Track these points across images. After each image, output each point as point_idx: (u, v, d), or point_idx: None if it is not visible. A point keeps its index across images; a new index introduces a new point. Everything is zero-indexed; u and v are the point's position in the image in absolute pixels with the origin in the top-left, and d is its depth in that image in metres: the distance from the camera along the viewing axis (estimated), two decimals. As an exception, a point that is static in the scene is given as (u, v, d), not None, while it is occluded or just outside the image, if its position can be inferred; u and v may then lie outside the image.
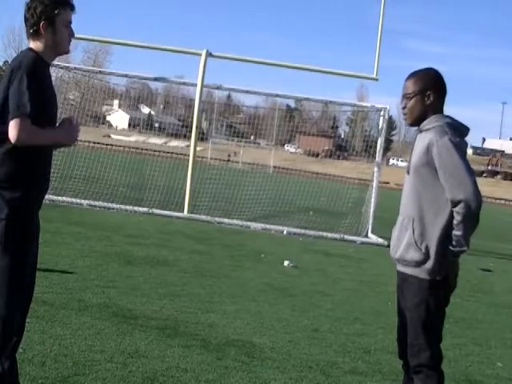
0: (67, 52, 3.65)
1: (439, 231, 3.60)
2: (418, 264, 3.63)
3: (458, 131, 3.68)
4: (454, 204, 3.53)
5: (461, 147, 3.60)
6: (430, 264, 3.61)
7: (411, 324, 3.70)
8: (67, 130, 3.49)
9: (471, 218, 3.51)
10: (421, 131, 3.74)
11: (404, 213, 3.75)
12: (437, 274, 3.62)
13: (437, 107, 3.75)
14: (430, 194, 3.63)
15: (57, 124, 3.51)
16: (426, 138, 3.64)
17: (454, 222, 3.54)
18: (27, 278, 3.48)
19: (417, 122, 3.78)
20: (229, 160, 41.73)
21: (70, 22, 3.56)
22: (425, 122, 3.73)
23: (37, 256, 3.56)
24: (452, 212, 3.58)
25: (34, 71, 3.35)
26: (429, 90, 3.72)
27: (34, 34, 3.47)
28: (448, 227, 3.59)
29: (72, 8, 3.55)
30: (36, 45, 3.49)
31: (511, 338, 7.36)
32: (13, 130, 3.24)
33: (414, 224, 3.65)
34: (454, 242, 3.55)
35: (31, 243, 3.47)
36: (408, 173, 3.77)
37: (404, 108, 3.79)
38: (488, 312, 8.87)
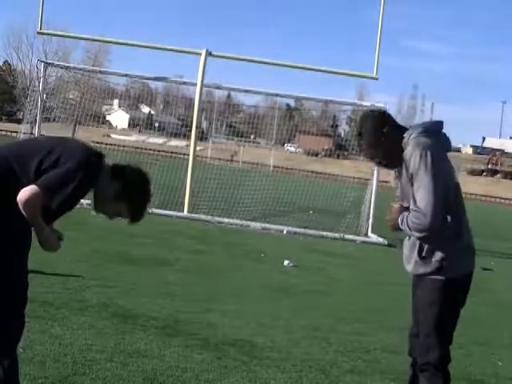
0: (95, 210, 3.52)
1: (446, 238, 3.62)
2: (429, 274, 3.68)
3: (432, 133, 3.67)
4: (416, 210, 3.55)
5: (429, 158, 3.54)
6: (443, 268, 3.63)
7: (423, 323, 3.71)
8: (53, 240, 3.39)
9: (422, 228, 3.55)
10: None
11: None
12: (449, 273, 3.63)
13: (395, 133, 3.71)
14: None
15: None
16: (405, 157, 3.63)
17: (412, 216, 3.57)
18: (17, 280, 3.48)
19: (396, 162, 3.73)
20: (232, 160, 41.73)
21: (120, 216, 3.49)
22: (401, 152, 3.68)
23: (27, 262, 3.54)
24: (456, 216, 3.61)
25: (91, 179, 3.31)
26: (379, 139, 3.69)
27: (115, 175, 3.41)
28: (454, 229, 3.62)
29: (132, 221, 3.48)
30: (112, 173, 3.41)
31: (511, 337, 7.36)
32: (28, 193, 3.16)
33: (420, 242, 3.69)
34: (406, 221, 3.59)
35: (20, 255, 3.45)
36: (402, 200, 3.78)
37: (379, 163, 3.82)
38: (488, 311, 8.87)
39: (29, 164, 3.27)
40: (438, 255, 3.63)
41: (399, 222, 3.68)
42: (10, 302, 3.42)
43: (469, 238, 3.76)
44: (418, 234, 3.62)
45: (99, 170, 3.39)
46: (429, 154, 3.55)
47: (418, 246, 3.69)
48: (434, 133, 3.70)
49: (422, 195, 3.52)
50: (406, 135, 3.68)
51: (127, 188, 3.38)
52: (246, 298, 7.55)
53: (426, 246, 3.67)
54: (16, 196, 3.19)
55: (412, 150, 3.58)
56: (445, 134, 3.76)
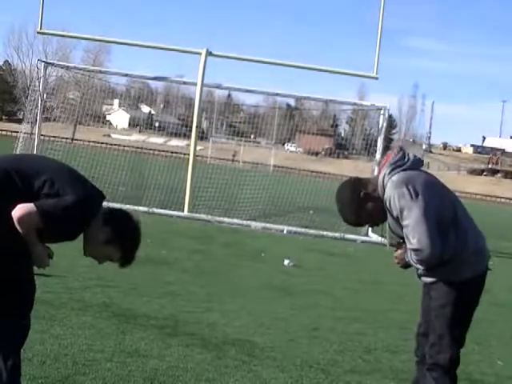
0: (84, 252, 3.50)
1: (451, 254, 3.62)
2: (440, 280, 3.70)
3: (399, 165, 3.67)
4: (412, 251, 3.58)
5: (406, 196, 3.55)
6: (452, 274, 3.65)
7: (436, 324, 3.71)
8: (44, 257, 3.37)
9: (426, 262, 3.58)
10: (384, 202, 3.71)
11: None
12: (462, 276, 3.64)
13: (370, 191, 3.72)
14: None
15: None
16: (386, 201, 3.65)
17: (412, 255, 3.59)
18: (23, 281, 3.49)
19: (385, 214, 3.74)
20: (233, 159, 41.74)
21: (109, 260, 3.45)
22: (382, 198, 3.70)
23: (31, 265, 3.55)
24: (458, 230, 3.63)
25: (87, 216, 3.30)
26: (360, 206, 3.71)
27: (107, 220, 3.38)
28: (459, 244, 3.63)
29: (121, 265, 3.46)
30: (104, 217, 3.39)
31: (511, 337, 7.37)
32: (24, 210, 3.15)
33: None
34: (411, 257, 3.61)
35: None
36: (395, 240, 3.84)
37: (376, 224, 3.86)
38: (488, 311, 8.85)
39: (31, 182, 3.24)
40: (445, 268, 3.64)
41: (406, 260, 3.70)
42: (15, 301, 3.43)
43: (477, 241, 3.73)
44: (426, 267, 3.64)
45: (98, 210, 3.39)
46: (405, 190, 3.55)
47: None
48: (402, 164, 3.68)
49: (413, 233, 3.53)
50: (379, 181, 3.68)
51: (118, 233, 3.36)
52: (246, 298, 7.55)
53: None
54: (13, 207, 3.17)
55: (389, 194, 3.60)
56: (409, 156, 3.72)
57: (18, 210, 3.16)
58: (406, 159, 3.70)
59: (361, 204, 3.72)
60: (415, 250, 3.54)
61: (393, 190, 3.59)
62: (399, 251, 3.76)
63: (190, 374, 4.66)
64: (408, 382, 4.40)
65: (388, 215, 3.71)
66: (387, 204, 3.63)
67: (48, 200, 3.21)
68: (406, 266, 3.75)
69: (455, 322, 3.67)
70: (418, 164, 3.74)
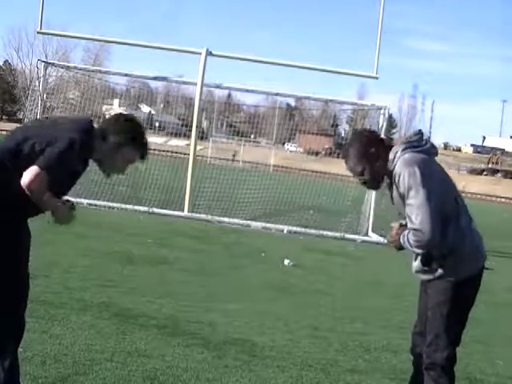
0: (108, 175, 3.67)
1: (449, 248, 3.63)
2: (437, 278, 3.69)
3: (414, 146, 3.68)
4: (411, 230, 3.58)
5: (417, 175, 3.56)
6: (449, 273, 3.65)
7: (432, 323, 3.71)
8: (65, 213, 3.45)
9: (424, 245, 3.57)
10: (390, 178, 3.72)
11: None
12: (459, 275, 3.65)
13: (384, 150, 3.73)
14: None
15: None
16: (394, 177, 3.65)
17: (410, 235, 3.59)
18: (21, 282, 3.51)
19: (381, 181, 3.78)
20: (233, 159, 41.69)
21: (131, 163, 3.62)
22: (389, 171, 3.71)
23: (27, 265, 3.58)
24: (457, 223, 3.63)
25: (84, 150, 3.40)
26: (368, 154, 3.71)
27: (104, 135, 3.50)
28: (457, 237, 3.64)
29: (142, 157, 3.61)
30: (100, 135, 3.51)
31: (511, 336, 7.36)
32: (30, 174, 3.23)
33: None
34: (407, 238, 3.61)
35: (20, 255, 3.48)
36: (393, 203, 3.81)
37: (364, 183, 3.81)
38: (488, 310, 8.86)
39: (23, 149, 3.33)
40: (442, 264, 3.64)
41: (401, 241, 3.70)
42: (12, 300, 3.43)
43: (474, 240, 3.75)
44: (420, 251, 3.65)
45: (90, 136, 3.47)
46: (417, 170, 3.57)
47: (420, 255, 3.72)
48: (418, 145, 3.70)
49: (417, 213, 3.54)
50: (391, 155, 3.69)
51: (118, 134, 3.50)
52: (246, 298, 7.55)
53: (425, 257, 3.70)
54: (14, 185, 3.24)
55: (400, 170, 3.60)
56: (427, 141, 3.76)
57: (25, 177, 3.23)
58: (423, 142, 3.73)
59: (368, 157, 3.70)
60: (416, 230, 3.54)
61: (404, 168, 3.59)
62: (396, 230, 3.76)
63: (190, 374, 4.66)
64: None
65: (394, 189, 3.70)
66: (396, 179, 3.62)
67: (43, 154, 3.29)
68: (400, 247, 3.75)
69: (451, 320, 3.68)
70: (432, 151, 3.76)
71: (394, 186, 3.68)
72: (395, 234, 3.76)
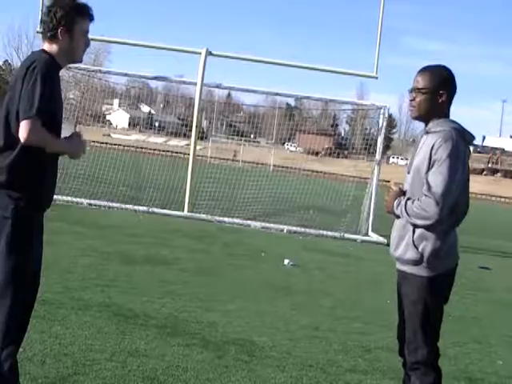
0: (80, 61, 3.70)
1: (442, 232, 3.62)
2: (416, 263, 3.65)
3: (463, 138, 3.67)
4: (427, 192, 3.54)
5: (460, 156, 3.57)
6: (427, 262, 3.62)
7: (409, 321, 3.71)
8: (75, 143, 3.52)
9: (423, 217, 3.54)
10: (427, 132, 3.71)
11: None
12: (434, 270, 3.63)
13: (445, 108, 3.74)
14: None
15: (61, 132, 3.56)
16: (432, 140, 3.62)
17: (419, 201, 3.56)
18: (29, 280, 3.51)
19: (422, 117, 3.76)
20: (234, 159, 41.67)
21: (87, 32, 3.61)
22: (431, 124, 3.70)
23: (40, 262, 3.60)
24: (456, 213, 3.62)
25: (48, 75, 3.37)
26: (442, 89, 3.70)
27: (51, 38, 3.51)
28: (451, 224, 3.64)
29: (91, 18, 3.61)
30: (51, 48, 3.52)
31: (511, 336, 7.37)
32: (23, 130, 3.26)
33: (414, 228, 3.66)
34: (409, 207, 3.59)
35: (36, 247, 3.51)
36: (409, 172, 3.77)
37: (412, 100, 3.75)
38: (487, 310, 8.88)
39: (8, 116, 3.38)
40: (429, 248, 3.61)
41: (394, 205, 3.69)
42: (16, 298, 3.45)
43: (454, 237, 3.75)
44: (419, 222, 3.58)
45: (55, 66, 3.51)
46: (459, 150, 3.57)
47: (411, 229, 3.66)
48: (466, 139, 3.71)
49: (440, 182, 3.51)
50: (443, 120, 3.68)
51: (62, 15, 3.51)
52: (246, 298, 7.55)
53: (419, 232, 3.64)
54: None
55: (444, 140, 3.56)
56: (469, 148, 3.76)
57: (20, 133, 3.27)
58: (470, 137, 3.74)
59: (439, 87, 3.68)
60: (429, 198, 3.51)
61: (450, 141, 3.56)
62: (394, 193, 3.73)
63: (190, 374, 4.67)
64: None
65: (421, 155, 3.65)
66: (436, 145, 3.56)
67: (23, 102, 3.30)
68: (390, 212, 3.74)
69: (428, 317, 3.66)
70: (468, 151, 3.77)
71: (429, 153, 3.59)
72: (392, 196, 3.73)
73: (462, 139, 3.64)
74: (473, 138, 3.78)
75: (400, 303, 3.86)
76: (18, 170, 3.36)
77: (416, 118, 3.82)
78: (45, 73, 3.35)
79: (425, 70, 3.76)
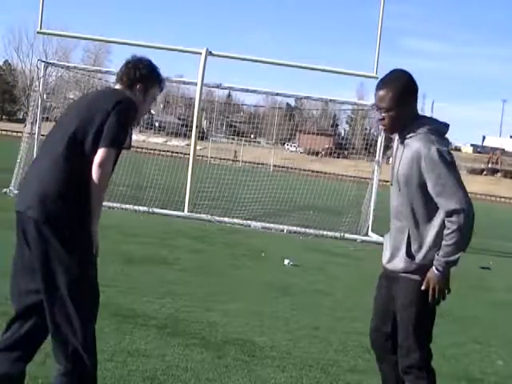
0: (138, 121, 3.87)
1: (432, 238, 3.59)
2: (410, 270, 3.64)
3: (440, 135, 3.63)
4: (448, 214, 3.48)
5: (447, 156, 3.53)
6: (424, 268, 3.59)
7: (401, 324, 3.67)
8: (97, 242, 4.12)
9: (465, 227, 3.47)
10: (404, 139, 3.66)
11: (397, 223, 3.73)
12: (426, 273, 3.59)
13: (414, 108, 3.71)
14: (421, 205, 3.59)
15: None
16: (412, 147, 3.56)
17: (446, 231, 3.49)
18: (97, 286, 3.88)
19: (397, 130, 3.70)
20: (234, 159, 41.70)
21: (155, 100, 3.83)
22: (407, 131, 3.64)
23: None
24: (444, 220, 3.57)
25: (133, 116, 3.54)
26: (406, 97, 3.64)
27: (127, 86, 3.65)
28: (440, 233, 3.57)
29: (161, 90, 3.80)
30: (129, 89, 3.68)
31: (511, 336, 7.37)
32: (102, 155, 3.35)
33: (409, 237, 3.64)
34: (443, 253, 3.50)
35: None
36: (392, 184, 3.73)
37: (382, 119, 3.68)
38: (487, 310, 8.87)
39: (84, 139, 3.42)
40: (425, 255, 3.59)
41: (435, 273, 3.54)
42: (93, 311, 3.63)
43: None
44: (465, 235, 3.49)
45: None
46: (444, 151, 3.51)
47: (406, 239, 3.63)
48: (442, 135, 3.66)
49: (453, 192, 3.47)
50: (416, 123, 3.63)
51: (144, 75, 3.66)
52: (246, 298, 7.55)
53: (414, 241, 3.61)
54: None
55: (427, 148, 3.50)
56: (447, 139, 3.72)
57: (97, 158, 3.36)
58: (443, 130, 3.68)
59: (405, 98, 3.63)
60: (455, 212, 3.43)
61: (433, 144, 3.51)
62: (430, 283, 3.55)
63: (190, 374, 4.67)
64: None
65: (398, 159, 3.62)
66: (421, 154, 3.49)
67: (109, 131, 3.38)
68: (448, 288, 3.60)
69: (420, 320, 3.62)
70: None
71: (416, 164, 3.53)
72: (434, 281, 3.54)
73: (439, 137, 3.60)
74: (447, 127, 3.71)
75: (379, 298, 3.85)
76: (75, 184, 3.54)
77: (391, 134, 3.78)
78: (133, 112, 3.53)
79: (384, 85, 3.65)
